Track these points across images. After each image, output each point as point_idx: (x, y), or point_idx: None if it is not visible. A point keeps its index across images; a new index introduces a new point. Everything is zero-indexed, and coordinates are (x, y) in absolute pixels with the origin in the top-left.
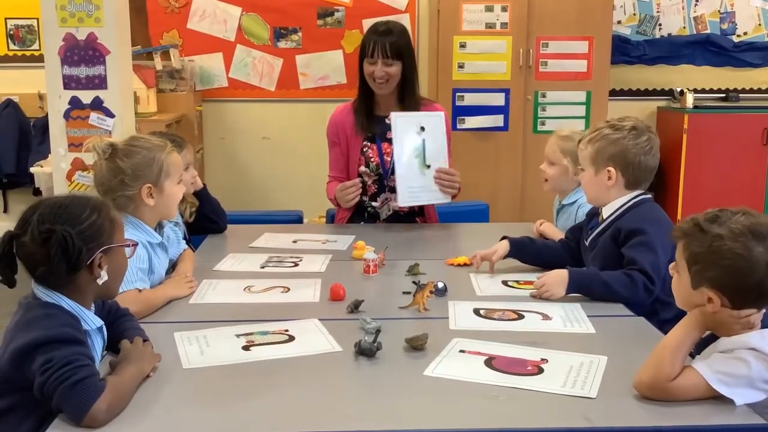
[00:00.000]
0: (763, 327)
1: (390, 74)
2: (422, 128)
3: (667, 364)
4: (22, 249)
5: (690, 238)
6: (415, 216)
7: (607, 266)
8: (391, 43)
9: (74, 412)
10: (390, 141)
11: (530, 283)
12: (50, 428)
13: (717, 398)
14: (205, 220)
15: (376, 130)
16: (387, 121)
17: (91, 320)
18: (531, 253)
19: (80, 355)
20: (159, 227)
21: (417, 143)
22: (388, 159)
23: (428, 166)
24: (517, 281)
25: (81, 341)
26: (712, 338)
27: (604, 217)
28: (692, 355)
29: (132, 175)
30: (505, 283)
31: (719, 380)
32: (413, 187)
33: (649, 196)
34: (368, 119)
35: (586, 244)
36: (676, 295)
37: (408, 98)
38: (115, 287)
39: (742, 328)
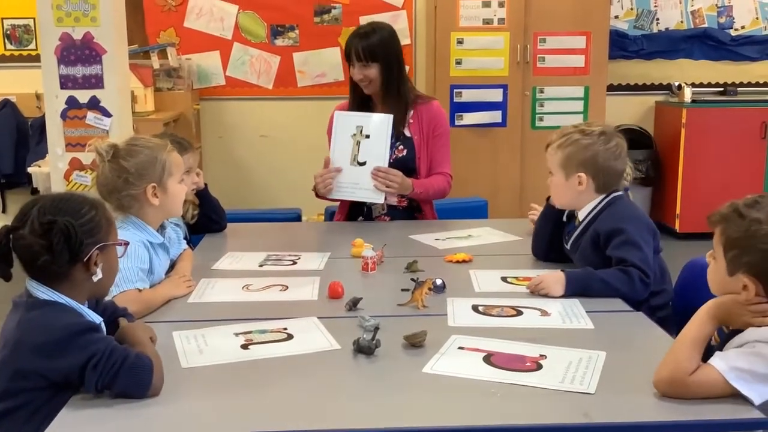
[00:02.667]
0: None
1: (369, 77)
2: (361, 129)
3: (684, 357)
4: (19, 242)
5: (728, 223)
6: (413, 212)
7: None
8: (364, 46)
9: (139, 390)
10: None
11: (530, 279)
12: (49, 428)
13: (736, 395)
14: (206, 219)
15: None
16: None
17: (91, 317)
18: None
19: (110, 339)
20: (161, 228)
21: (352, 142)
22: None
23: (362, 164)
24: (516, 277)
25: (99, 327)
26: (736, 333)
27: (580, 220)
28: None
29: (136, 174)
30: (504, 279)
31: (738, 377)
32: (341, 182)
33: (621, 193)
34: None
35: (567, 246)
36: (711, 282)
37: (390, 99)
38: (108, 286)
39: (753, 318)
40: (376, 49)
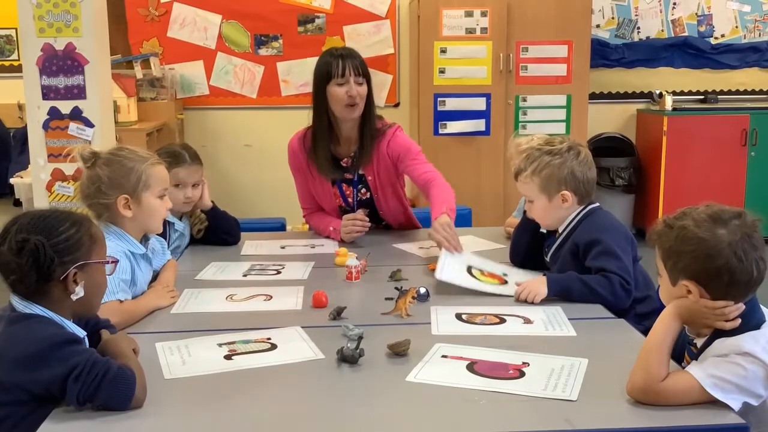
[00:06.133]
0: (751, 327)
1: (361, 94)
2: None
3: (655, 364)
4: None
5: (661, 237)
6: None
7: None
8: (359, 62)
9: (121, 402)
10: (348, 182)
11: (493, 275)
12: None
13: (711, 403)
14: (218, 238)
15: (336, 177)
16: (343, 163)
17: (73, 330)
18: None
19: (92, 351)
20: (144, 239)
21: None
22: (351, 200)
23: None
24: (481, 271)
25: (81, 339)
26: (709, 342)
27: (560, 232)
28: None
29: (108, 184)
30: (468, 270)
31: (714, 384)
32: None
33: (597, 204)
34: (327, 163)
35: (547, 259)
36: (664, 300)
37: (369, 124)
38: (95, 304)
39: (716, 320)
40: (366, 67)
